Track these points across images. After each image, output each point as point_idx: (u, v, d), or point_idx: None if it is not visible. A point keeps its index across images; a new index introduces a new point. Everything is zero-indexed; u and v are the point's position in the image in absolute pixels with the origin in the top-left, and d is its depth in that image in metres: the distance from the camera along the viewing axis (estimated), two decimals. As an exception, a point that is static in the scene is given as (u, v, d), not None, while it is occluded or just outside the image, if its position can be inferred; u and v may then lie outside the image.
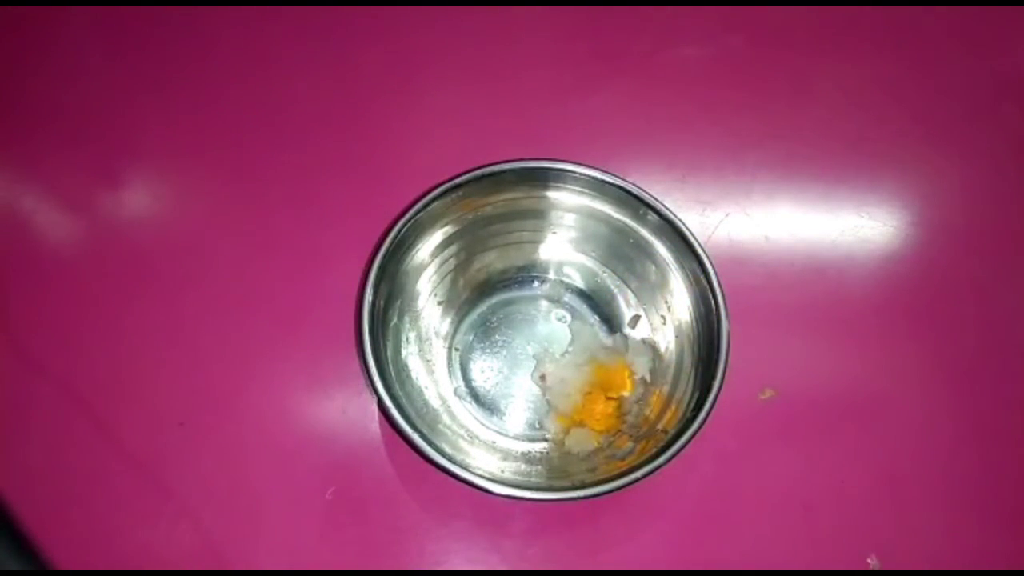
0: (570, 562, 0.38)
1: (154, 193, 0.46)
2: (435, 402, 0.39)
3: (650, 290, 0.41)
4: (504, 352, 0.41)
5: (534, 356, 0.41)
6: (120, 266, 0.43)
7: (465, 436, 0.39)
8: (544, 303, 0.43)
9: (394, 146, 0.46)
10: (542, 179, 0.40)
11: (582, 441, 0.38)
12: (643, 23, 0.51)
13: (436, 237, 0.40)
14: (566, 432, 0.39)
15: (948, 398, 0.42)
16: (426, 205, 0.37)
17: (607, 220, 0.41)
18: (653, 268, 0.40)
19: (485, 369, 0.41)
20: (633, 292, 0.42)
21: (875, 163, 0.48)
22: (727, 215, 0.46)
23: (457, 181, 0.38)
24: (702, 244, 0.37)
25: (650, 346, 0.40)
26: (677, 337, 0.40)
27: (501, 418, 0.40)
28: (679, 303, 0.39)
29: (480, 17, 0.50)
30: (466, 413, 0.40)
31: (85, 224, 0.45)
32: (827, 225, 0.46)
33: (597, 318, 0.42)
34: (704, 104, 0.49)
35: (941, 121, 0.49)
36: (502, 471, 0.37)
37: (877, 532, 0.39)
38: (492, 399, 0.41)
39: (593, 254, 0.42)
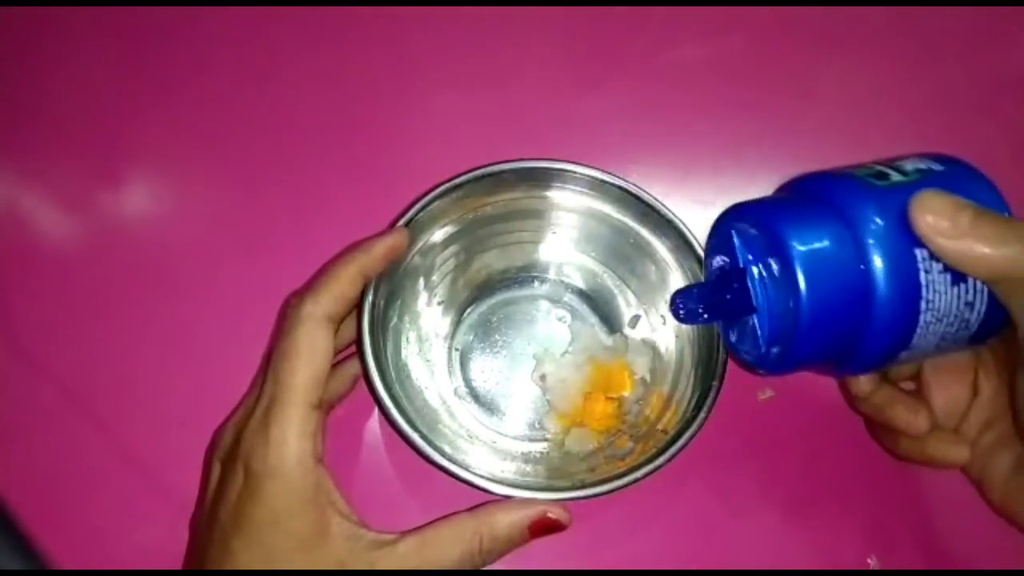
0: (570, 562, 0.38)
1: (154, 193, 0.46)
2: (435, 402, 0.39)
3: (650, 290, 0.41)
4: (504, 352, 0.41)
5: (534, 356, 0.41)
6: (120, 266, 0.43)
7: (465, 436, 0.39)
8: (544, 303, 0.43)
9: (394, 146, 0.46)
10: (542, 179, 0.40)
11: (582, 441, 0.38)
12: (643, 23, 0.51)
13: (436, 237, 0.40)
14: (566, 432, 0.39)
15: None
16: (426, 205, 0.37)
17: (607, 220, 0.41)
18: (653, 268, 0.40)
19: (485, 369, 0.41)
20: (633, 292, 0.42)
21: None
22: (727, 215, 0.46)
23: (457, 181, 0.38)
24: (702, 244, 0.37)
25: (650, 346, 0.40)
26: (677, 337, 0.40)
27: (501, 418, 0.40)
28: (679, 303, 0.39)
29: (480, 17, 0.50)
30: (466, 413, 0.40)
31: (86, 224, 0.45)
32: (827, 225, 0.46)
33: (597, 318, 0.42)
34: (704, 104, 0.49)
35: (941, 121, 0.49)
36: (502, 471, 0.37)
37: (877, 532, 0.39)
38: (492, 399, 0.41)
39: (593, 254, 0.42)
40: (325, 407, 0.37)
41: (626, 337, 0.41)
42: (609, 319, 0.42)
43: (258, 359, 0.38)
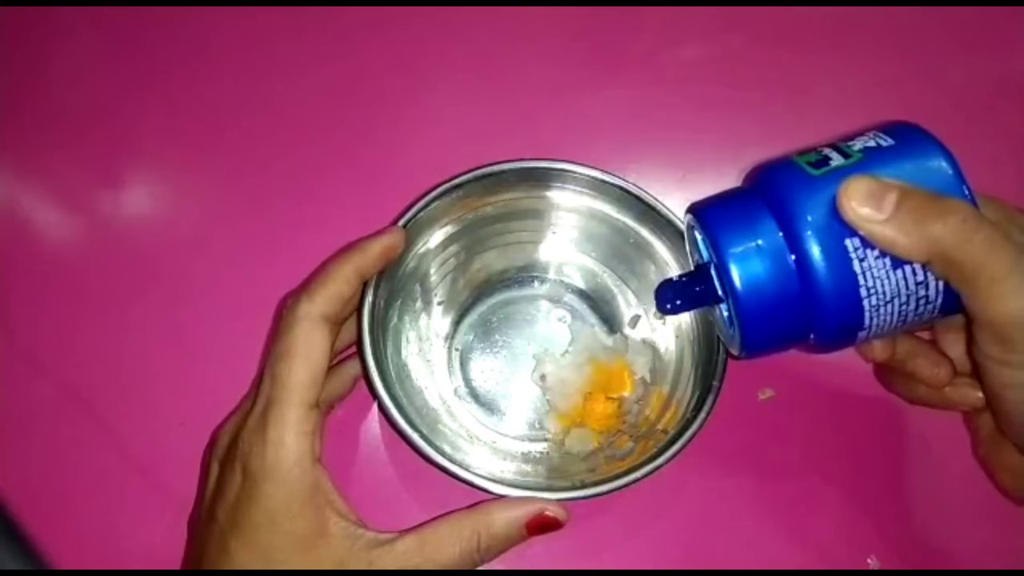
0: (570, 562, 0.38)
1: (154, 193, 0.46)
2: (435, 402, 0.39)
3: (650, 290, 0.41)
4: (504, 352, 0.41)
5: (534, 356, 0.41)
6: (120, 265, 0.43)
7: (465, 436, 0.39)
8: (544, 303, 0.42)
9: (394, 146, 0.46)
10: (542, 179, 0.40)
11: (582, 441, 0.38)
12: (643, 23, 0.51)
13: (436, 237, 0.40)
14: (566, 432, 0.39)
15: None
16: (426, 205, 0.37)
17: (607, 220, 0.41)
18: (653, 268, 0.40)
19: (485, 369, 0.41)
20: (633, 292, 0.42)
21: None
22: (727, 215, 0.46)
23: (457, 181, 0.38)
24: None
25: (650, 346, 0.40)
26: (677, 337, 0.40)
27: (501, 418, 0.40)
28: (679, 303, 0.39)
29: (480, 16, 0.50)
30: (466, 413, 0.40)
31: (85, 224, 0.45)
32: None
33: (597, 318, 0.42)
34: (704, 104, 0.49)
35: (940, 121, 0.49)
36: (502, 471, 0.37)
37: (877, 532, 0.39)
38: (492, 399, 0.40)
39: (593, 254, 0.42)
40: (324, 407, 0.37)
41: (626, 337, 0.41)
42: (609, 319, 0.42)
43: (257, 359, 0.38)
